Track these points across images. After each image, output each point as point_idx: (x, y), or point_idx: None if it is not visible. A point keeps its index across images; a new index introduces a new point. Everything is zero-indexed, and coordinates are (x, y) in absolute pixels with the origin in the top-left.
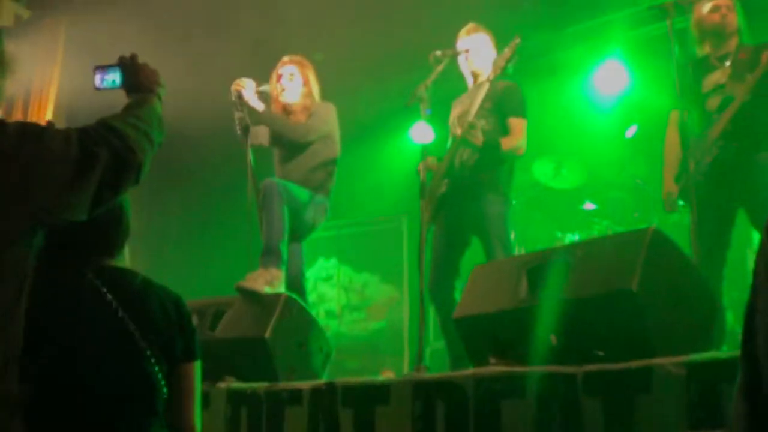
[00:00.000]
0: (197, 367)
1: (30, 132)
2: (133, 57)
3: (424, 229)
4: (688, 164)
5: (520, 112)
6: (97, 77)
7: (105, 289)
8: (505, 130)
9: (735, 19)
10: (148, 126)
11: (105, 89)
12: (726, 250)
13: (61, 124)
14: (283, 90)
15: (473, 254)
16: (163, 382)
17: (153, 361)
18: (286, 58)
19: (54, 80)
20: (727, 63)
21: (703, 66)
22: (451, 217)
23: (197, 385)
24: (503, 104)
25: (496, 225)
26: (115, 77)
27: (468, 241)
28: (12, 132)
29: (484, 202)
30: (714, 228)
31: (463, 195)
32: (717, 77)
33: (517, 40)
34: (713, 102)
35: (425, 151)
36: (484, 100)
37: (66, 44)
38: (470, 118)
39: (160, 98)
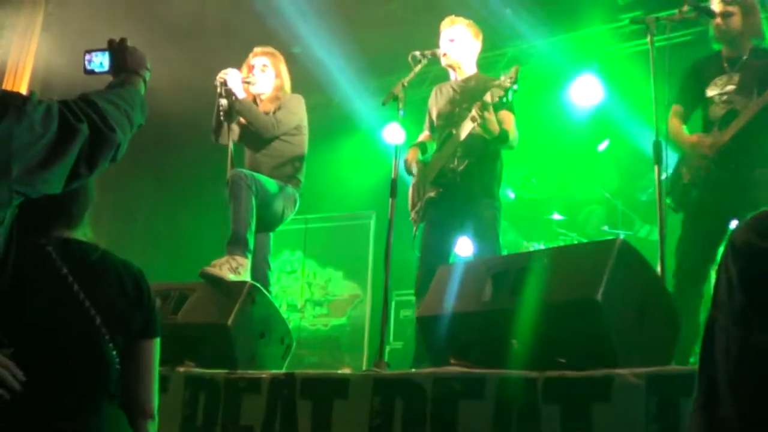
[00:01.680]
0: (156, 344)
1: (11, 102)
2: (122, 40)
3: (392, 227)
4: (682, 173)
5: (510, 107)
6: (87, 61)
7: (60, 262)
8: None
9: (741, 23)
10: (129, 106)
11: (94, 73)
12: (710, 265)
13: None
14: (255, 80)
15: None
16: (116, 359)
17: (106, 336)
18: (258, 49)
19: (31, 52)
20: (737, 70)
21: (714, 65)
22: (441, 218)
23: (155, 364)
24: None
25: (489, 230)
26: (103, 61)
27: (456, 242)
28: None
29: (478, 205)
30: (702, 241)
31: (455, 199)
32: (724, 82)
33: (517, 68)
34: (717, 110)
35: (397, 150)
36: (472, 95)
37: (46, 16)
38: (475, 110)
39: (145, 81)
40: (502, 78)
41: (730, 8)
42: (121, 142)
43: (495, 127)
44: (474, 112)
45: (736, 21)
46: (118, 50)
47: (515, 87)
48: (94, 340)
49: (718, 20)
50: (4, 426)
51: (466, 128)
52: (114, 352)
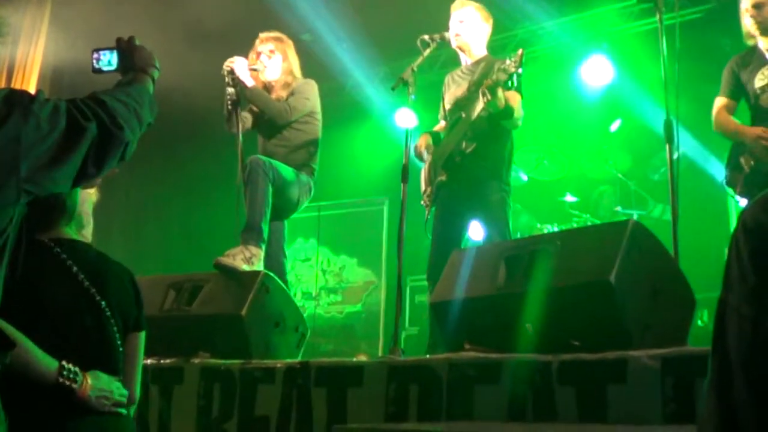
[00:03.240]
0: (142, 338)
1: (19, 100)
2: (130, 39)
3: (404, 212)
4: (741, 163)
5: (519, 87)
6: (95, 60)
7: (68, 259)
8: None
9: None
10: (138, 104)
11: (102, 72)
12: None
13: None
14: (264, 67)
15: None
16: (121, 346)
17: (114, 325)
18: (263, 35)
19: (39, 49)
20: None
21: (754, 58)
22: (451, 202)
23: (141, 355)
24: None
25: (498, 211)
26: (111, 59)
27: (467, 226)
28: (0, 99)
29: (486, 188)
30: None
31: (464, 182)
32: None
33: (521, 52)
34: (766, 99)
35: (409, 135)
36: (482, 76)
37: (52, 14)
38: (484, 87)
39: (153, 80)
40: (507, 62)
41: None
42: (130, 141)
43: (501, 103)
44: (483, 89)
45: None
46: (126, 49)
47: (520, 71)
48: (106, 328)
49: (753, 12)
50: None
51: (477, 108)
52: (119, 340)
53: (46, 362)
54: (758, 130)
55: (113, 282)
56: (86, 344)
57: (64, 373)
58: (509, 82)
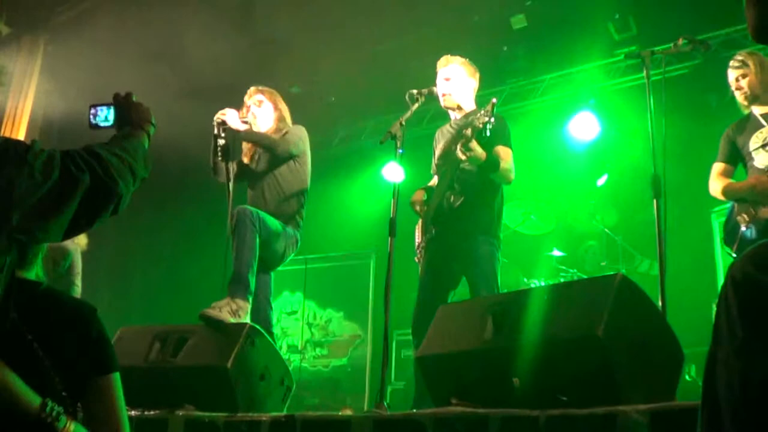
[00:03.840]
0: (113, 380)
1: (13, 150)
2: (128, 95)
3: (391, 266)
4: (737, 219)
5: (507, 142)
6: (92, 115)
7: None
8: (495, 156)
9: (758, 79)
10: (133, 159)
11: (99, 128)
12: None
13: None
14: (255, 118)
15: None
16: (65, 395)
17: (51, 373)
18: (252, 89)
19: (30, 97)
20: None
21: (750, 123)
22: (439, 258)
23: (118, 401)
24: (490, 135)
25: (486, 266)
26: (108, 115)
27: (455, 281)
28: None
29: (474, 242)
30: None
31: (452, 236)
32: (765, 134)
33: (494, 102)
34: (761, 159)
35: (397, 188)
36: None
37: (43, 62)
38: (459, 147)
39: (149, 136)
40: (480, 112)
41: (743, 71)
42: (123, 194)
43: (480, 155)
44: (459, 145)
45: (753, 80)
46: (123, 104)
47: (492, 120)
48: (40, 378)
49: (736, 85)
50: None
51: (452, 164)
52: (60, 387)
53: (29, 397)
54: (751, 180)
55: (55, 322)
56: None
57: (47, 410)
58: (483, 133)
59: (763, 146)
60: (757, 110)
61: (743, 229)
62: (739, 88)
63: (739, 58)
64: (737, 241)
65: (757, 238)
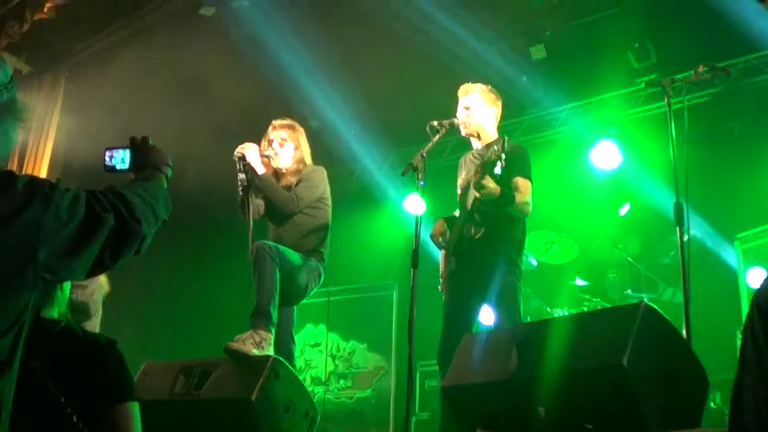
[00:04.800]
0: (131, 409)
1: (39, 189)
2: (144, 139)
3: (414, 297)
4: None
5: (527, 173)
6: (108, 157)
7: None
8: (510, 190)
9: None
10: (155, 200)
11: (114, 170)
12: None
13: (54, 178)
14: (275, 154)
15: None
16: (81, 426)
17: (68, 408)
18: (276, 123)
19: (51, 135)
20: None
21: None
22: (461, 289)
23: (135, 428)
24: (510, 164)
25: (508, 295)
26: (125, 158)
27: (479, 312)
28: (21, 188)
29: (496, 272)
30: None
31: (474, 267)
32: None
33: (505, 139)
34: None
35: (419, 220)
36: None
37: (64, 100)
38: (473, 180)
39: (167, 178)
40: (492, 149)
41: None
42: (146, 235)
43: (494, 191)
44: (472, 184)
45: None
46: (140, 147)
47: (503, 156)
48: (57, 412)
49: None
50: None
51: (471, 197)
52: (76, 420)
53: None
54: None
55: (77, 358)
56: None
57: None
58: (491, 171)
59: None
60: None
61: None
62: None
63: None
64: None
65: None
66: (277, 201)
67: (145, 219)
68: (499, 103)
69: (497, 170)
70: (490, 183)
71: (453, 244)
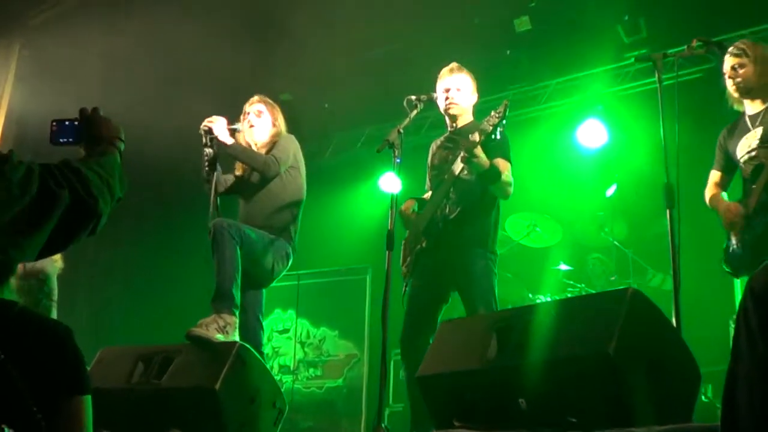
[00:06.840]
0: (84, 403)
1: None
2: (95, 110)
3: (389, 282)
4: (731, 238)
5: (507, 155)
6: (54, 130)
7: None
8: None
9: (755, 73)
10: (110, 177)
11: (60, 144)
12: None
13: (7, 149)
14: (251, 127)
15: (453, 310)
16: (39, 416)
17: (24, 394)
18: (255, 98)
19: (3, 104)
20: (759, 124)
21: (739, 126)
22: (430, 271)
23: (87, 422)
24: (489, 146)
25: (481, 281)
26: (73, 131)
27: (447, 297)
28: None
29: (469, 256)
30: None
31: (445, 249)
32: (749, 139)
33: (506, 103)
34: (747, 168)
35: (394, 199)
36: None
37: (18, 67)
38: (463, 148)
39: (120, 153)
40: (492, 114)
41: (742, 59)
42: (102, 214)
43: (484, 163)
44: (463, 148)
45: (749, 72)
46: (92, 119)
47: (504, 121)
48: (18, 401)
49: (731, 73)
50: None
51: (457, 168)
52: (36, 410)
53: None
54: (723, 206)
55: (34, 343)
56: None
57: None
58: (492, 135)
59: (748, 154)
60: (749, 109)
61: (732, 247)
62: (733, 77)
63: (741, 45)
64: (731, 263)
65: (747, 258)
66: (256, 165)
67: (102, 197)
68: (478, 95)
69: (497, 135)
70: (481, 154)
71: (424, 223)
